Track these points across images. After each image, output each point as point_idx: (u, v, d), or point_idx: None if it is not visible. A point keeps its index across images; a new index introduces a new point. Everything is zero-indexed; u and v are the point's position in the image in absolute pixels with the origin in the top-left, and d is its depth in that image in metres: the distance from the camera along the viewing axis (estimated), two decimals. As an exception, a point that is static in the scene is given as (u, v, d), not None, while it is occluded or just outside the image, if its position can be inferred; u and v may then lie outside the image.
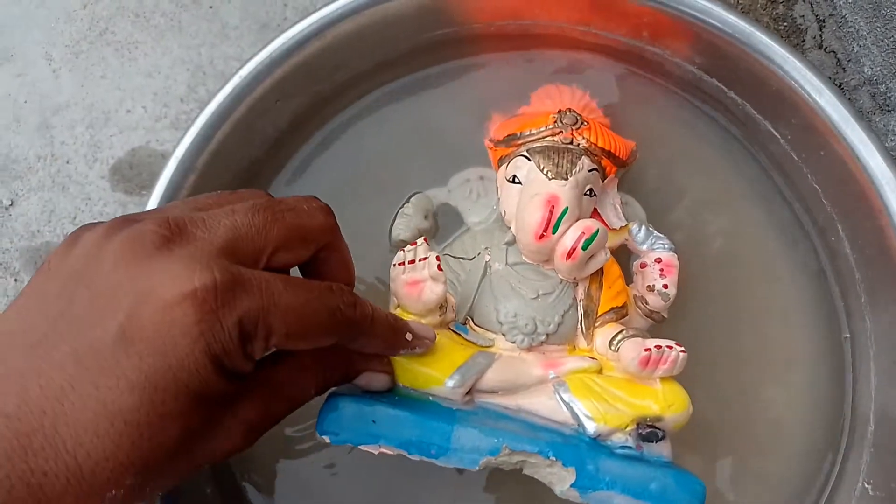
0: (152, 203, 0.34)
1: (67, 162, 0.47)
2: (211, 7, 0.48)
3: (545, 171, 0.33)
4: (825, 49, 0.37)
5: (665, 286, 0.33)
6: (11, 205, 0.47)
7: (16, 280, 0.46)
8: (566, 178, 0.33)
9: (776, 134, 0.36)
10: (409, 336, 0.28)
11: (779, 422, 0.38)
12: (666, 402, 0.29)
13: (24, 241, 0.46)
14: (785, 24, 0.39)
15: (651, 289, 0.34)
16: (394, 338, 0.27)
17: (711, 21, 0.35)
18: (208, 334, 0.20)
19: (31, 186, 0.47)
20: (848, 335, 0.37)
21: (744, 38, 0.34)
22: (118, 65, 0.48)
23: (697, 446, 0.36)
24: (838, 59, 0.39)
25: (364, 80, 0.40)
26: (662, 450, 0.29)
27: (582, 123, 0.35)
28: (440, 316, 0.32)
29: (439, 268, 0.31)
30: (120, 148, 0.47)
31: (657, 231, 0.36)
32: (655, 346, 0.30)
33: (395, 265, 0.32)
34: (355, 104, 0.41)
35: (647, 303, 0.34)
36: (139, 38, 0.48)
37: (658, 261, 0.34)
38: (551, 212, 0.32)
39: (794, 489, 0.37)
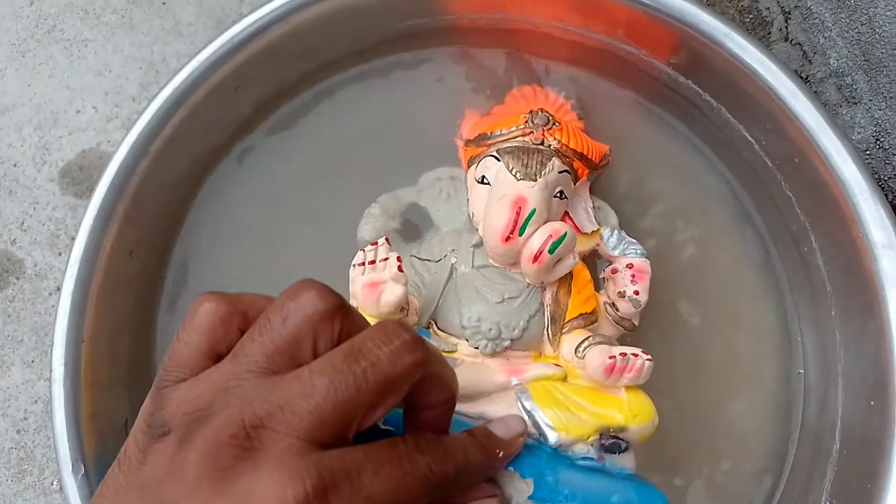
0: (97, 198, 0.33)
1: (14, 165, 0.45)
2: (164, 3, 0.47)
3: (514, 172, 0.32)
4: (791, 41, 0.37)
5: (636, 292, 0.32)
6: (-44, 208, 0.45)
7: (-42, 286, 0.43)
8: (535, 180, 0.32)
9: (751, 139, 0.35)
10: (500, 453, 0.25)
11: (741, 435, 0.37)
12: (631, 411, 0.28)
13: (-32, 246, 0.44)
14: (751, 16, 0.39)
15: (622, 295, 0.32)
16: (489, 465, 0.25)
17: (688, 19, 0.34)
18: None
19: (-22, 190, 0.45)
20: (801, 370, 0.37)
21: (719, 39, 0.33)
22: (67, 63, 0.46)
23: (657, 459, 0.35)
24: (804, 52, 0.39)
25: (333, 68, 0.39)
26: (626, 462, 0.28)
27: (554, 124, 0.34)
28: (401, 319, 0.30)
29: (400, 269, 0.29)
30: (70, 150, 0.45)
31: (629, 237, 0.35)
32: (620, 354, 0.28)
33: (354, 265, 0.30)
34: (323, 91, 0.39)
35: (617, 309, 0.33)
36: (89, 36, 0.47)
37: (630, 266, 0.33)
38: (518, 213, 0.31)
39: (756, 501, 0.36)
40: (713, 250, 0.38)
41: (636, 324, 0.33)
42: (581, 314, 0.32)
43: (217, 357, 0.22)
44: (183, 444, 0.20)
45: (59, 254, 0.44)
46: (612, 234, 0.34)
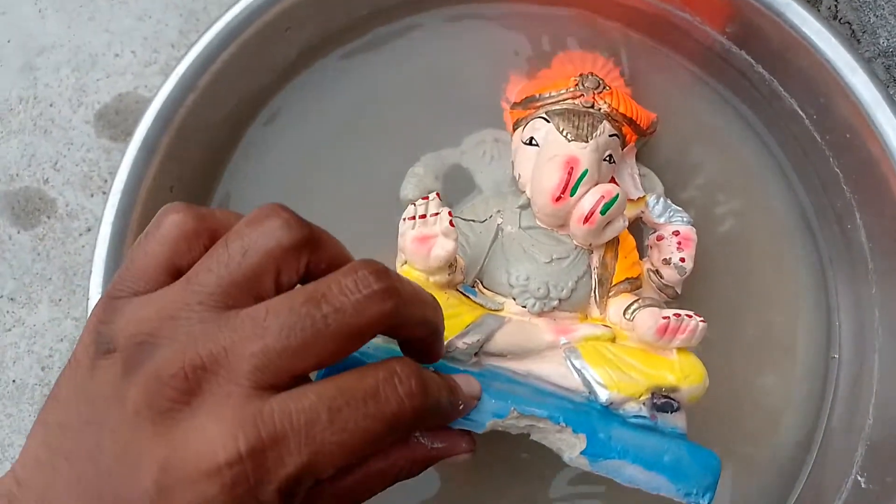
0: (142, 129, 0.32)
1: (51, 105, 0.45)
2: (211, -50, 0.46)
3: (564, 133, 0.32)
4: (840, 20, 0.36)
5: (682, 259, 0.32)
6: (-11, 145, 0.44)
7: (-10, 224, 0.43)
8: (586, 141, 0.32)
9: (801, 113, 0.35)
10: (461, 406, 0.24)
11: (771, 409, 0.37)
12: (682, 372, 0.28)
13: (1, 185, 0.44)
14: (800, -8, 0.38)
15: (667, 262, 0.32)
16: (452, 413, 0.23)
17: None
18: None
19: (12, 129, 0.45)
20: (837, 346, 0.37)
21: (778, 9, 0.33)
22: (107, 7, 0.46)
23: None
24: (853, 31, 0.38)
25: (382, 18, 0.39)
26: (678, 421, 0.28)
27: (604, 88, 0.34)
28: (449, 275, 0.30)
29: (451, 223, 0.29)
30: (106, 93, 0.45)
31: (672, 205, 0.35)
32: (674, 315, 0.28)
33: (404, 219, 0.30)
34: (370, 41, 0.39)
35: (661, 276, 0.33)
36: (131, -20, 0.46)
37: (676, 233, 0.33)
38: (570, 173, 0.30)
39: (782, 476, 0.36)
40: (752, 224, 0.38)
41: (679, 292, 0.33)
42: (627, 278, 0.32)
43: (177, 274, 0.21)
44: (127, 372, 0.19)
45: (91, 195, 0.43)
46: (657, 202, 0.34)
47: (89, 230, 0.43)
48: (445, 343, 0.28)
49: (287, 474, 0.18)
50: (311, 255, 0.20)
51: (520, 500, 0.35)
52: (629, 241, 0.33)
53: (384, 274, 0.20)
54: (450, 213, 0.30)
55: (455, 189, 0.37)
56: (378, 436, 0.19)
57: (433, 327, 0.22)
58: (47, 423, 0.20)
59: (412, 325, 0.21)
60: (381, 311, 0.19)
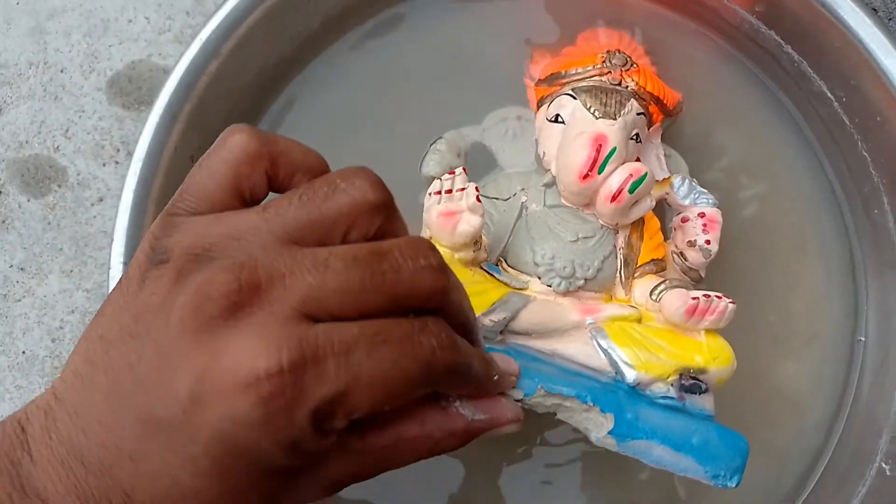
0: (164, 95, 0.32)
1: (61, 70, 0.44)
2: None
3: (592, 111, 0.31)
4: (867, 5, 0.36)
5: (707, 242, 0.32)
6: (-2, 111, 0.44)
7: (0, 193, 0.42)
8: (615, 119, 0.31)
9: (830, 96, 0.35)
10: (496, 376, 0.24)
11: (792, 395, 0.37)
12: (710, 354, 0.28)
13: (10, 152, 0.43)
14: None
15: (692, 244, 0.32)
16: (485, 380, 0.23)
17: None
18: (275, 430, 0.18)
19: (21, 94, 0.44)
20: (863, 333, 0.37)
21: (813, -11, 0.32)
22: (122, -29, 0.45)
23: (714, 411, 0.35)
24: (879, 18, 0.38)
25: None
26: (706, 403, 0.28)
27: (631, 65, 0.33)
28: (474, 252, 0.30)
29: (478, 199, 0.29)
30: (119, 59, 0.44)
31: (697, 187, 0.34)
32: (704, 295, 0.28)
33: (430, 194, 0.30)
34: (393, 15, 0.38)
35: (686, 259, 0.32)
36: (147, -57, 0.45)
37: (701, 215, 0.33)
38: (598, 151, 0.30)
39: (803, 463, 0.36)
40: (776, 208, 0.38)
41: (703, 275, 0.33)
42: (653, 259, 0.31)
43: (238, 196, 0.21)
44: (177, 281, 0.19)
45: (104, 164, 0.43)
46: (682, 183, 0.34)
47: (101, 200, 0.42)
48: None
49: (322, 397, 0.18)
50: (386, 220, 0.21)
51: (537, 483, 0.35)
52: (654, 223, 0.33)
53: (440, 255, 0.21)
54: (476, 189, 0.29)
55: (477, 166, 0.36)
56: (412, 379, 0.19)
57: (467, 320, 0.22)
58: (90, 337, 0.20)
59: (453, 310, 0.21)
60: (433, 284, 0.20)
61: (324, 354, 0.18)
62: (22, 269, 0.42)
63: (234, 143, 0.21)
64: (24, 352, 0.41)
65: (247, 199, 0.21)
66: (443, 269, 0.20)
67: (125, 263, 0.32)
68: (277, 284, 0.18)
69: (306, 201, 0.20)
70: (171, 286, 0.19)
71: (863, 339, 0.36)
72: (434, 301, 0.20)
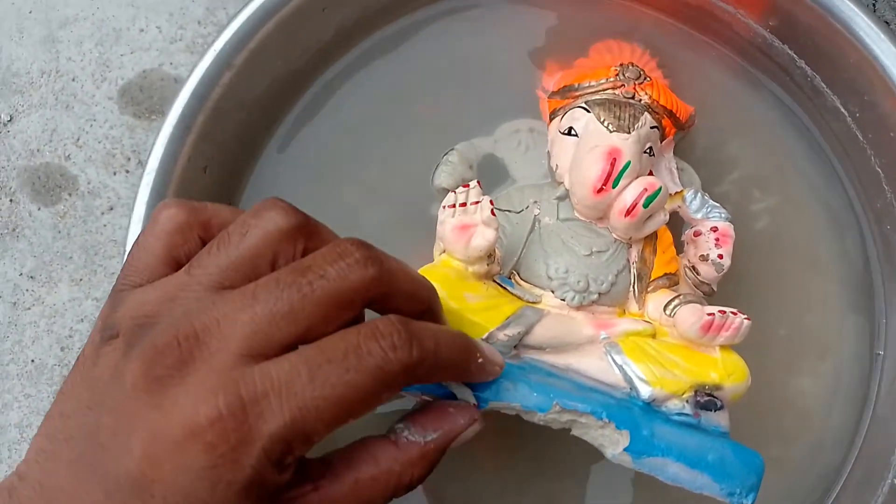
0: (177, 106, 0.32)
1: (73, 79, 0.44)
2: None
3: (606, 124, 0.31)
4: (880, 18, 0.36)
5: (720, 256, 0.32)
6: (10, 121, 0.44)
7: (11, 201, 0.42)
8: (628, 132, 0.31)
9: (843, 111, 0.35)
10: (479, 359, 0.24)
11: (807, 411, 0.36)
12: (726, 370, 0.28)
13: (22, 160, 0.43)
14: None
15: (705, 258, 0.32)
16: (465, 362, 0.23)
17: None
18: (227, 475, 0.18)
19: (33, 103, 0.44)
20: (880, 349, 0.36)
21: (826, 4, 0.32)
22: (134, -20, 0.45)
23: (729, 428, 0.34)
24: (893, 32, 0.37)
25: (417, 2, 0.38)
26: (721, 420, 0.27)
27: (645, 79, 0.33)
28: (488, 265, 0.29)
29: (492, 212, 0.29)
30: (130, 69, 0.44)
31: (709, 201, 0.34)
32: (719, 311, 0.28)
33: (444, 207, 0.30)
34: (405, 27, 0.38)
35: (698, 273, 0.32)
36: (159, -47, 0.45)
37: (714, 230, 0.32)
38: (612, 165, 0.30)
39: (819, 480, 0.36)
40: (788, 222, 0.37)
41: (715, 289, 0.33)
42: (666, 273, 0.31)
43: (175, 265, 0.22)
44: (127, 350, 0.20)
45: (114, 173, 0.43)
46: (695, 197, 0.34)
47: (111, 209, 0.42)
48: (486, 335, 0.27)
49: (271, 432, 0.18)
50: (308, 241, 0.21)
51: (543, 497, 0.34)
52: (667, 237, 0.33)
53: (366, 245, 0.21)
54: (491, 202, 0.29)
55: (488, 179, 0.36)
56: (365, 389, 0.19)
57: (426, 304, 0.23)
58: (51, 415, 0.21)
59: (400, 298, 0.22)
60: (362, 276, 0.20)
61: (263, 391, 0.18)
62: (32, 277, 0.42)
63: (164, 218, 0.22)
64: (33, 360, 0.41)
65: (184, 266, 0.22)
66: (369, 258, 0.20)
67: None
68: (214, 332, 0.19)
69: (224, 246, 0.21)
70: (122, 357, 0.20)
71: (881, 353, 0.36)
72: (374, 293, 0.21)
